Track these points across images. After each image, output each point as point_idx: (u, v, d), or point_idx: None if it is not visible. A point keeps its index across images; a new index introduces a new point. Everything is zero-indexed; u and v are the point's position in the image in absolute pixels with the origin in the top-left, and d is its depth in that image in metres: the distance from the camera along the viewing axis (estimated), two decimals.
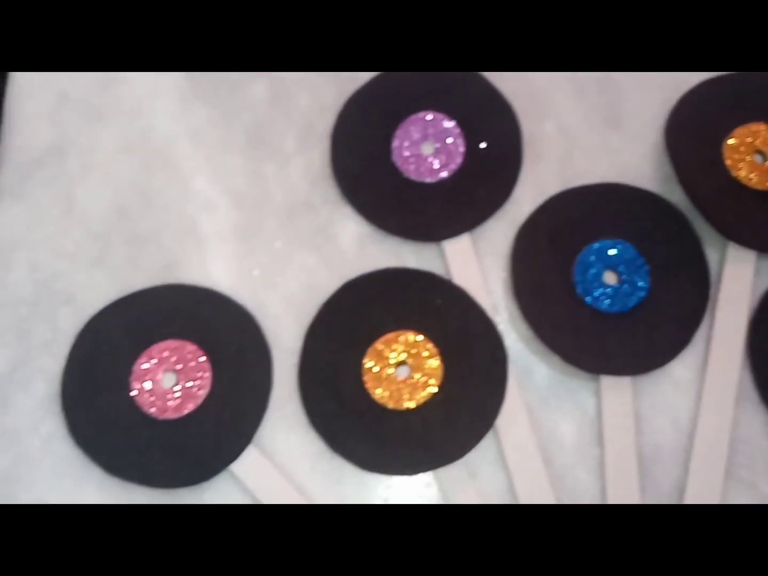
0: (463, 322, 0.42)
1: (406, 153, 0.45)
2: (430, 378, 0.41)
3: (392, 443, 0.40)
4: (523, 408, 0.41)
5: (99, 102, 0.47)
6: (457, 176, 0.44)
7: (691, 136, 0.44)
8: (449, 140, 0.45)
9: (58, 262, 0.44)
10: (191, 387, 0.40)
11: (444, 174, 0.44)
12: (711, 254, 0.43)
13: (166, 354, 0.41)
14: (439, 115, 0.45)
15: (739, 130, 0.44)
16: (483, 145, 0.45)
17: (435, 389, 0.40)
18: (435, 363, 0.41)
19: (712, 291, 0.42)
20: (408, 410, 0.40)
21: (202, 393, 0.40)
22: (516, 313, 0.43)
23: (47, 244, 0.44)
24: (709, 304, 0.42)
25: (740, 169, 0.43)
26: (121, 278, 0.44)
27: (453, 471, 0.40)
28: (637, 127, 0.46)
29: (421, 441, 0.40)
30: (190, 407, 0.40)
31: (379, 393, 0.40)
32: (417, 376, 0.41)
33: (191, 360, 0.41)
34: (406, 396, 0.40)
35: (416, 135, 0.45)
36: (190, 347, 0.41)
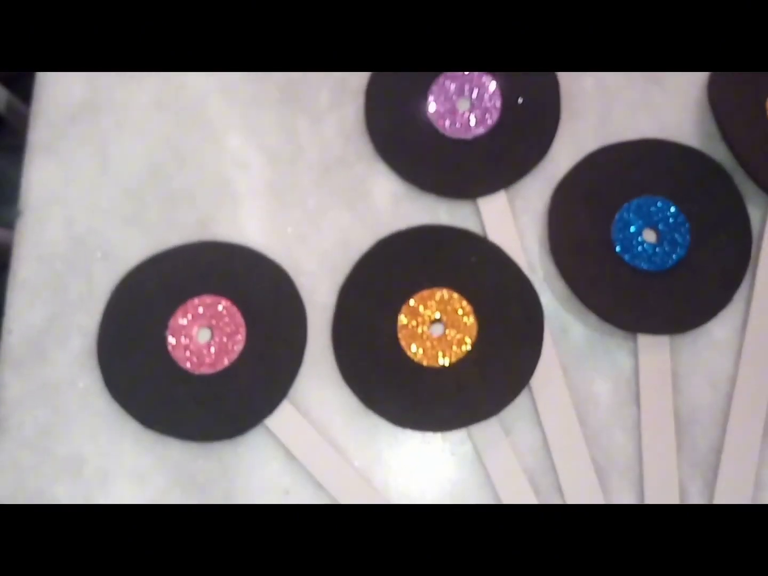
0: (498, 279, 0.41)
1: (442, 109, 0.44)
2: (465, 336, 0.40)
3: (426, 400, 0.40)
4: (558, 366, 0.41)
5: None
6: (493, 133, 0.44)
7: (733, 91, 0.43)
8: (485, 96, 0.44)
9: (93, 219, 0.44)
10: (226, 342, 0.41)
11: (480, 130, 0.44)
12: (753, 212, 0.42)
13: (201, 309, 0.41)
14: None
15: None
16: (520, 100, 0.44)
17: (469, 347, 0.40)
18: (470, 321, 0.41)
19: (753, 250, 0.42)
20: (442, 367, 0.40)
21: (237, 348, 0.41)
22: (552, 271, 0.42)
23: (82, 200, 0.44)
24: (750, 263, 0.42)
25: None
26: (156, 235, 0.44)
27: (488, 428, 0.40)
28: (679, 83, 0.45)
29: (454, 398, 0.40)
30: (225, 362, 0.40)
31: (413, 350, 0.40)
32: (452, 333, 0.40)
33: (226, 315, 0.41)
34: (440, 353, 0.40)
35: (452, 90, 0.44)
36: (225, 302, 0.41)
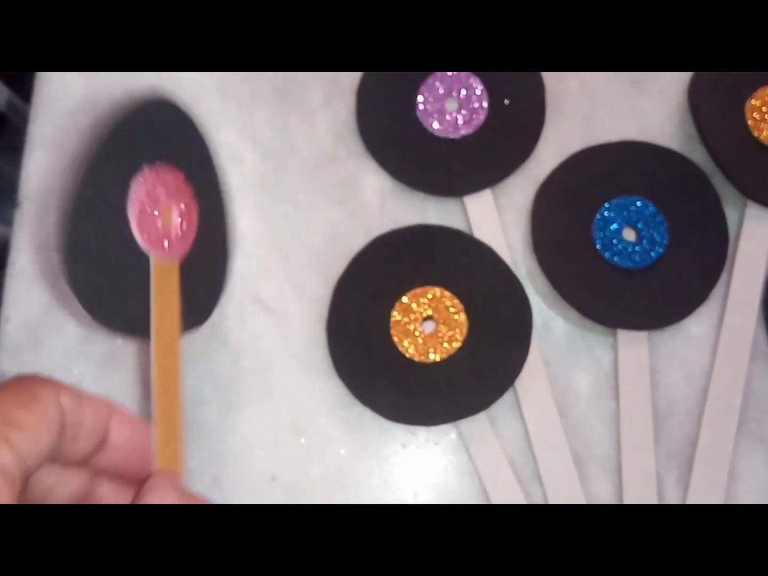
0: (489, 278, 0.43)
1: (431, 109, 0.45)
2: (456, 332, 0.42)
3: (417, 394, 0.41)
4: (540, 360, 0.42)
5: None
6: (480, 132, 0.45)
7: (713, 95, 0.45)
8: (473, 97, 0.45)
9: None
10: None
11: (467, 130, 0.45)
12: (730, 213, 0.43)
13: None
14: (464, 72, 0.45)
15: (763, 90, 0.44)
16: (507, 102, 0.45)
17: (459, 343, 0.41)
18: (460, 318, 0.42)
19: (729, 249, 0.43)
20: (433, 363, 0.41)
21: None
22: (535, 267, 0.43)
23: None
24: (727, 262, 0.43)
25: (762, 129, 0.43)
26: None
27: (475, 421, 0.41)
28: (661, 86, 0.46)
29: (444, 393, 0.41)
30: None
31: (405, 345, 0.41)
32: (443, 330, 0.42)
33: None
34: (431, 349, 0.41)
35: (441, 91, 0.45)
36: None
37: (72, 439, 0.29)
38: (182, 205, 0.38)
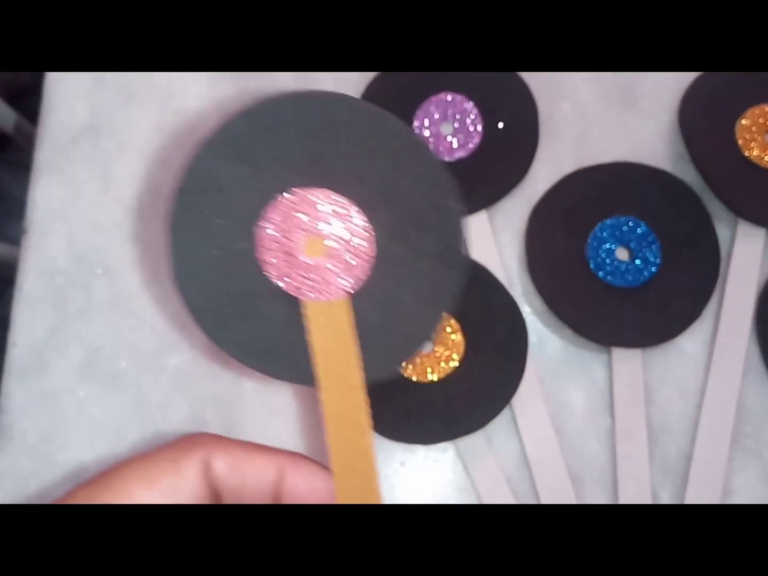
0: (484, 299, 0.43)
1: (426, 133, 0.46)
2: (453, 352, 0.42)
3: (415, 413, 0.42)
4: (535, 378, 0.43)
5: (132, 83, 0.49)
6: (475, 155, 0.46)
7: (704, 115, 0.45)
8: (468, 120, 0.46)
9: (95, 236, 0.46)
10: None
11: (462, 153, 0.46)
12: (722, 231, 0.44)
13: None
14: (459, 96, 0.46)
15: (752, 110, 0.45)
16: (501, 125, 0.46)
17: (457, 363, 0.42)
18: (457, 338, 0.43)
19: (722, 267, 0.44)
20: (431, 382, 0.42)
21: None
22: (530, 287, 0.44)
23: (84, 218, 0.46)
24: (719, 280, 0.44)
25: (752, 148, 0.44)
26: (154, 252, 0.46)
27: (473, 440, 0.42)
28: (653, 107, 0.47)
29: (442, 412, 0.42)
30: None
31: (403, 366, 0.42)
32: (440, 350, 0.42)
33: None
34: (429, 369, 0.42)
35: (436, 115, 0.46)
36: None
37: (235, 500, 0.27)
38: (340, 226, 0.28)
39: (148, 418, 0.43)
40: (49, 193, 0.47)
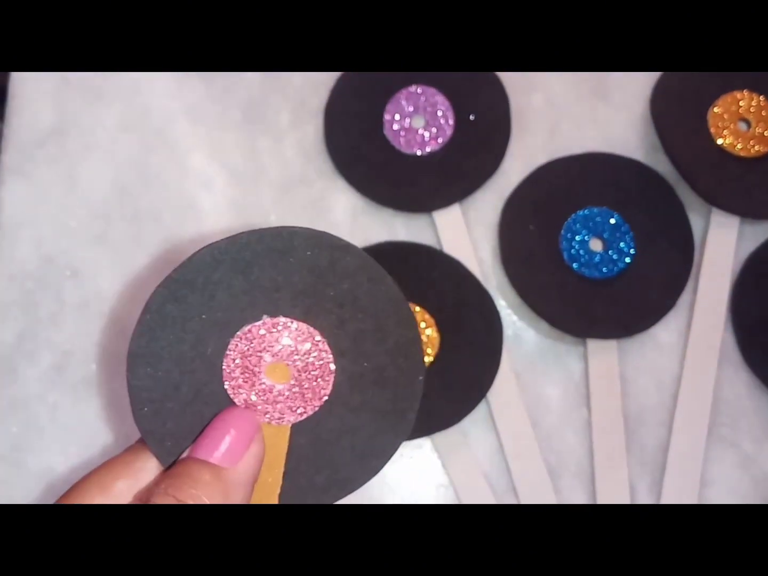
0: (459, 293, 0.43)
1: (397, 126, 0.46)
2: (428, 348, 0.42)
3: None
4: (511, 372, 0.43)
5: (98, 83, 0.48)
6: (447, 148, 0.45)
7: (676, 104, 0.45)
8: (439, 113, 0.46)
9: (62, 238, 0.45)
10: None
11: (434, 146, 0.45)
12: (695, 220, 0.44)
13: None
14: (429, 89, 0.46)
15: (724, 98, 0.45)
16: (472, 117, 0.46)
17: (432, 358, 0.42)
18: (432, 333, 0.42)
19: (696, 256, 0.44)
20: None
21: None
22: (504, 280, 0.44)
23: (51, 221, 0.46)
24: (693, 269, 0.43)
25: (724, 136, 0.44)
26: (122, 253, 0.45)
27: (448, 435, 0.42)
28: (624, 98, 0.47)
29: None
30: None
31: None
32: None
33: None
34: None
35: (407, 108, 0.46)
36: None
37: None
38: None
39: (120, 422, 0.42)
40: (15, 196, 0.46)
